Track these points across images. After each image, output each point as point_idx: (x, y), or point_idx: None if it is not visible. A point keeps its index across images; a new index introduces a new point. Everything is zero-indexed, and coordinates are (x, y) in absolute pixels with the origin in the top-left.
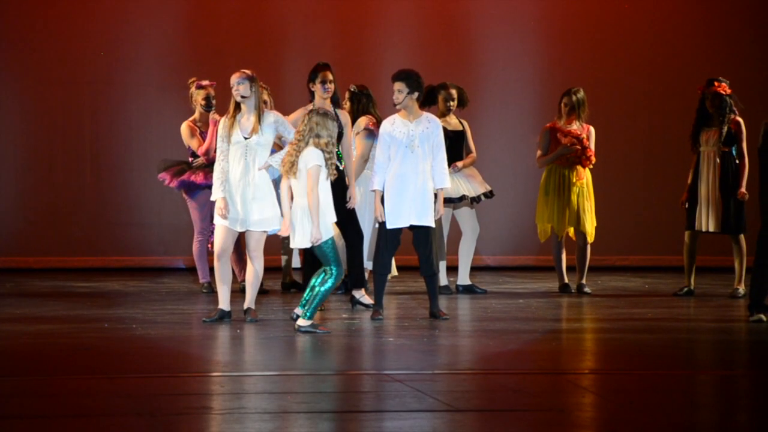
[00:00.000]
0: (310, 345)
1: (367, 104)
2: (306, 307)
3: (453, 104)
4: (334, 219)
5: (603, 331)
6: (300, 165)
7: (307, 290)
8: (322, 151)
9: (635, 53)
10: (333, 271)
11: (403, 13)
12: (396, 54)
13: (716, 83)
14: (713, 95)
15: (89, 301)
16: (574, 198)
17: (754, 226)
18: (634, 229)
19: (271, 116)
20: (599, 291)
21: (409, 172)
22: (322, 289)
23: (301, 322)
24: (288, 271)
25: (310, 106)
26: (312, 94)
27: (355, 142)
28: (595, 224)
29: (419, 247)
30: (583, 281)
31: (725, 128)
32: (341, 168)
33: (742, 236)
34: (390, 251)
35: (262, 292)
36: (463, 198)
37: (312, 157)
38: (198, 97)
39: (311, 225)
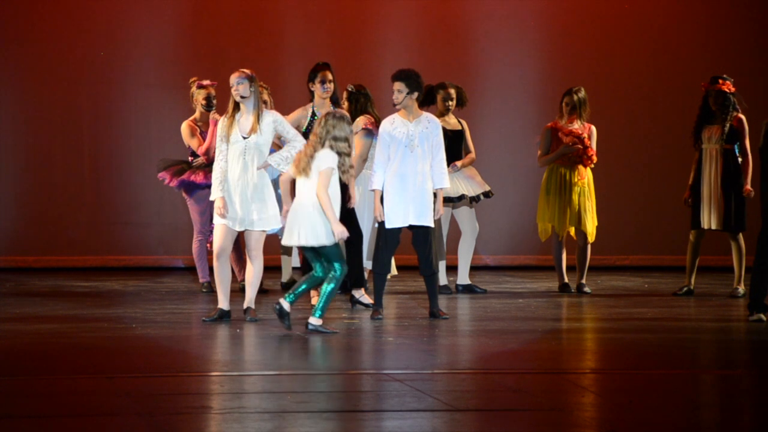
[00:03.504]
0: (310, 345)
1: (365, 104)
2: (316, 308)
3: (452, 104)
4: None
5: (603, 330)
6: (313, 166)
7: (298, 284)
8: (339, 154)
9: (636, 52)
10: (336, 272)
11: (402, 13)
12: (395, 54)
13: (720, 81)
14: (717, 93)
15: (89, 301)
16: (575, 197)
17: (755, 225)
18: (634, 228)
19: (270, 116)
20: (599, 291)
21: (409, 171)
22: (328, 289)
23: (312, 320)
24: (288, 271)
25: (309, 106)
26: (312, 93)
27: (353, 142)
28: (596, 224)
29: (419, 247)
30: (583, 281)
31: (727, 125)
32: None
33: (741, 235)
34: (389, 251)
35: (262, 291)
36: (462, 197)
37: (326, 160)
38: (199, 96)
39: (322, 223)
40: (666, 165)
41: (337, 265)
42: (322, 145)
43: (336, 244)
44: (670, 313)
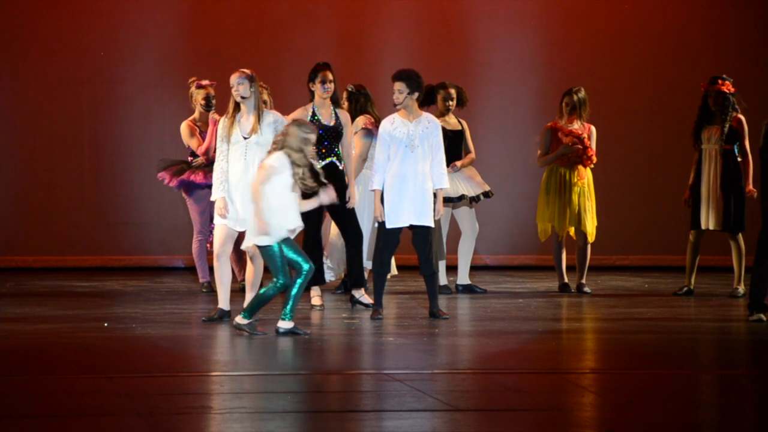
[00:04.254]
0: (311, 345)
1: (365, 104)
2: (246, 307)
3: (452, 104)
4: (299, 225)
5: (603, 331)
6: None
7: (288, 298)
8: (292, 163)
9: (636, 53)
10: (278, 282)
11: (402, 13)
12: (395, 54)
13: (720, 81)
14: (717, 93)
15: (89, 301)
16: (575, 198)
17: (755, 225)
18: (634, 229)
19: (270, 116)
20: (599, 291)
21: (409, 171)
22: (261, 291)
23: (239, 319)
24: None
25: (309, 106)
26: (312, 93)
27: (353, 142)
28: (596, 224)
29: (419, 247)
30: (583, 281)
31: (727, 126)
32: (341, 168)
33: (740, 235)
34: (389, 251)
35: None
36: (462, 198)
37: (272, 158)
38: (198, 96)
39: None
40: (666, 165)
41: (280, 277)
42: (279, 148)
43: (279, 255)
44: (670, 313)
